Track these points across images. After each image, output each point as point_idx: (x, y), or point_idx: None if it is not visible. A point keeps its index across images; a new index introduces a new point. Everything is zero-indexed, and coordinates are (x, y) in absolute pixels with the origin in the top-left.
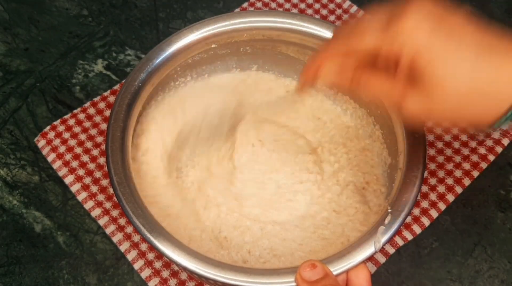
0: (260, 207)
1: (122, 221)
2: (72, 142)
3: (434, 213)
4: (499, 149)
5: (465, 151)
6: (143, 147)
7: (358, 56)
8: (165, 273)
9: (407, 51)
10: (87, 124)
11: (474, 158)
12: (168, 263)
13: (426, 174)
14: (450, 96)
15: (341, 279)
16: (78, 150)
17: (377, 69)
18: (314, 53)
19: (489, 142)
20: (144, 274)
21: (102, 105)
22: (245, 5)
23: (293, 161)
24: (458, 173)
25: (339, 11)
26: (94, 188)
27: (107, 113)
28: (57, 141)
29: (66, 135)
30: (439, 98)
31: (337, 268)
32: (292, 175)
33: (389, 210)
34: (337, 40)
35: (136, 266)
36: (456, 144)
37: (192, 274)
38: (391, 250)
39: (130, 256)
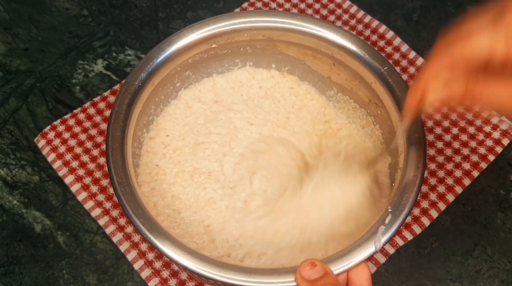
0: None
1: (122, 221)
2: (72, 142)
3: (434, 213)
4: (499, 149)
5: (465, 151)
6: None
7: (468, 64)
8: (165, 273)
9: None
10: (87, 124)
11: (474, 158)
12: (168, 263)
13: (426, 174)
14: None
15: (341, 278)
16: (78, 150)
17: (492, 75)
18: (417, 75)
19: (489, 142)
20: (144, 274)
21: (102, 105)
22: (245, 5)
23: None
24: (458, 173)
25: (339, 11)
26: (94, 188)
27: (107, 113)
28: (57, 141)
29: (66, 135)
30: None
31: (337, 268)
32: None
33: (389, 210)
34: (438, 52)
35: (136, 266)
36: (456, 144)
37: (192, 274)
38: (391, 250)
39: (130, 256)
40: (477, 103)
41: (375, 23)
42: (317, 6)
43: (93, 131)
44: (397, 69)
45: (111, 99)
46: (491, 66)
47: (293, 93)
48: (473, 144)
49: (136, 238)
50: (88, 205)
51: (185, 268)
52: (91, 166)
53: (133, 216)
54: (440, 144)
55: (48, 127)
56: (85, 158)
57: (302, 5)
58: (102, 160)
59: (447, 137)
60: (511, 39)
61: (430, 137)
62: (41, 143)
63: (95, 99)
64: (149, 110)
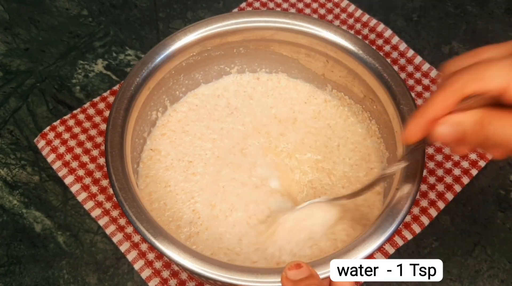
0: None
1: (122, 221)
2: (72, 143)
3: (433, 212)
4: None
5: None
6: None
7: (481, 100)
8: (165, 273)
9: None
10: (86, 124)
11: (472, 156)
12: (168, 263)
13: (425, 172)
14: None
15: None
16: (78, 150)
17: (504, 110)
18: (422, 106)
19: None
20: (144, 274)
21: (101, 105)
22: (243, 5)
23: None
24: (456, 171)
25: (337, 10)
26: (94, 189)
27: (107, 113)
28: (56, 142)
29: (66, 135)
30: None
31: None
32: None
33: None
34: (450, 84)
35: (136, 266)
36: None
37: (192, 274)
38: (391, 250)
39: (130, 257)
40: (490, 138)
41: (373, 21)
42: (315, 5)
43: (92, 132)
44: (395, 67)
45: (111, 99)
46: (506, 102)
47: (289, 94)
48: None
49: (136, 238)
50: (88, 205)
51: (185, 268)
52: (91, 166)
53: (136, 222)
54: (438, 142)
55: (48, 128)
56: (85, 158)
57: (300, 5)
58: (102, 160)
59: None
60: None
61: None
62: (40, 143)
63: (95, 100)
64: (145, 115)
